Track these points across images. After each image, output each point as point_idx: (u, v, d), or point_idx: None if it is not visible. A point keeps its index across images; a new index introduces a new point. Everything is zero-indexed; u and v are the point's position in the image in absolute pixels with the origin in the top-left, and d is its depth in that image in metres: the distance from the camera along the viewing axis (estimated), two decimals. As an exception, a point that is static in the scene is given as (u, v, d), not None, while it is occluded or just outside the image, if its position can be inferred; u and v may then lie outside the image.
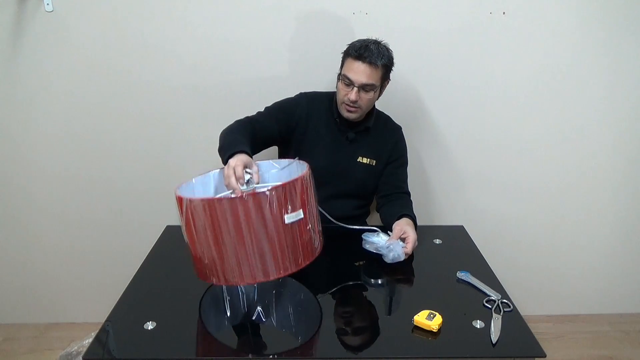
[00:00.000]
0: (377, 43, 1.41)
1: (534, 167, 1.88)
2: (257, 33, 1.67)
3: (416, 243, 1.31)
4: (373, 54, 1.36)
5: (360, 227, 1.39)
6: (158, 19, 1.65)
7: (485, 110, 1.80)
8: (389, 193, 1.55)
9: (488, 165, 1.88)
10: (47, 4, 1.60)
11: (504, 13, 1.66)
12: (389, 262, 1.26)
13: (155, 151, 1.82)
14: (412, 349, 0.98)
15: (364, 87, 1.39)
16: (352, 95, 1.39)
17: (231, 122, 1.43)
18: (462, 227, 1.50)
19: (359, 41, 1.41)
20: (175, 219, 1.52)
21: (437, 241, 1.41)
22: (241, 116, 1.52)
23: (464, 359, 0.96)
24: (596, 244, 2.02)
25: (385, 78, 1.44)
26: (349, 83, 1.39)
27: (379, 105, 1.61)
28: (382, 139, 1.56)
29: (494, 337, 0.98)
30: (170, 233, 1.47)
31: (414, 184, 1.64)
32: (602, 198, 1.94)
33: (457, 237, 1.46)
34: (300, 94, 1.56)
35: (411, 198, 1.57)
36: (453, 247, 1.40)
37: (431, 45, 1.70)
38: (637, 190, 1.93)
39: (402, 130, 1.62)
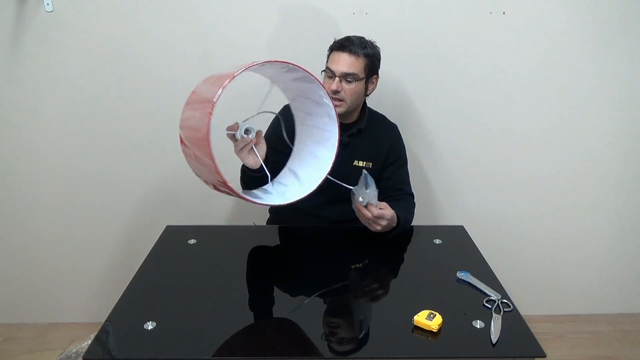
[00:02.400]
0: (361, 37, 1.41)
1: (534, 167, 1.88)
2: (257, 33, 1.67)
3: (385, 221, 1.28)
4: (354, 44, 1.38)
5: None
6: (158, 18, 1.65)
7: (485, 110, 1.80)
8: (389, 195, 1.54)
9: (488, 166, 1.88)
10: (47, 4, 1.60)
11: (504, 13, 1.66)
12: (359, 198, 1.23)
13: (156, 151, 1.82)
14: (412, 349, 0.98)
15: (345, 77, 1.37)
16: (333, 85, 1.37)
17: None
18: (462, 227, 1.50)
19: (344, 37, 1.43)
20: (175, 219, 1.53)
21: (437, 241, 1.41)
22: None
23: (464, 359, 0.96)
24: (596, 244, 2.02)
25: (370, 71, 1.42)
26: (331, 75, 1.39)
27: (375, 104, 1.60)
28: (378, 140, 1.53)
29: (494, 337, 0.98)
30: (170, 233, 1.46)
31: (414, 184, 1.64)
32: (602, 199, 1.94)
33: (457, 237, 1.46)
34: (284, 107, 1.52)
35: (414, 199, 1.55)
36: (453, 247, 1.40)
37: (431, 45, 1.70)
38: (637, 190, 1.93)
39: (399, 128, 1.59)
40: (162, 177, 1.86)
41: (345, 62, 1.37)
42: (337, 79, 1.37)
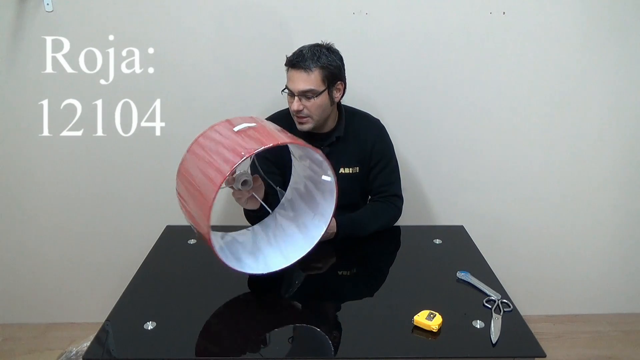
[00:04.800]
0: (314, 46, 1.36)
1: (534, 167, 1.88)
2: (257, 34, 1.67)
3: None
4: (305, 59, 1.32)
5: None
6: (158, 20, 1.65)
7: (485, 110, 1.80)
8: (373, 199, 1.54)
9: (488, 166, 1.88)
10: (47, 4, 1.60)
11: (504, 13, 1.66)
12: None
13: (156, 151, 1.82)
14: (412, 349, 0.98)
15: (304, 95, 1.33)
16: (294, 105, 1.35)
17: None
18: (462, 227, 1.50)
19: (298, 48, 1.37)
20: (175, 219, 1.53)
21: (437, 241, 1.41)
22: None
23: (464, 359, 0.96)
24: (596, 243, 2.02)
25: (331, 81, 1.36)
26: (291, 93, 1.36)
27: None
28: (361, 142, 1.49)
29: (494, 337, 0.98)
30: (170, 233, 1.47)
31: (414, 184, 1.64)
32: (602, 198, 1.94)
33: (457, 237, 1.46)
34: (276, 114, 1.53)
35: (404, 198, 1.53)
36: (453, 247, 1.40)
37: (431, 45, 1.70)
38: (637, 190, 1.93)
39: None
40: (162, 177, 1.86)
41: (301, 80, 1.32)
42: (296, 98, 1.34)
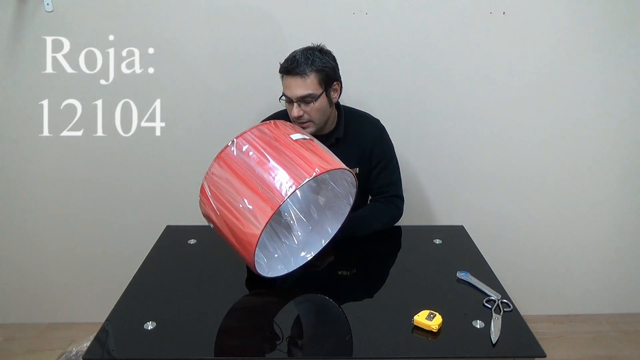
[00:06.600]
0: (307, 50, 1.35)
1: (534, 167, 1.88)
2: (257, 34, 1.67)
3: None
4: (300, 64, 1.31)
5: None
6: (158, 20, 1.65)
7: (485, 110, 1.80)
8: (374, 199, 1.54)
9: (488, 165, 1.88)
10: (47, 4, 1.60)
11: (504, 13, 1.66)
12: None
13: (156, 151, 1.82)
14: (412, 349, 0.98)
15: (303, 100, 1.33)
16: (294, 111, 1.34)
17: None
18: (462, 227, 1.50)
19: (290, 54, 1.36)
20: (175, 219, 1.53)
21: (437, 241, 1.41)
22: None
23: (464, 359, 0.96)
24: (596, 243, 2.02)
25: (327, 82, 1.36)
26: (289, 100, 1.35)
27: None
28: (360, 142, 1.49)
29: (494, 337, 0.98)
30: (170, 233, 1.47)
31: (414, 184, 1.63)
32: (602, 198, 1.94)
33: (457, 237, 1.46)
34: (275, 114, 1.53)
35: (404, 198, 1.54)
36: (453, 247, 1.40)
37: (431, 45, 1.70)
38: (637, 190, 1.93)
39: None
40: (162, 177, 1.86)
41: (297, 86, 1.32)
42: (295, 104, 1.33)
